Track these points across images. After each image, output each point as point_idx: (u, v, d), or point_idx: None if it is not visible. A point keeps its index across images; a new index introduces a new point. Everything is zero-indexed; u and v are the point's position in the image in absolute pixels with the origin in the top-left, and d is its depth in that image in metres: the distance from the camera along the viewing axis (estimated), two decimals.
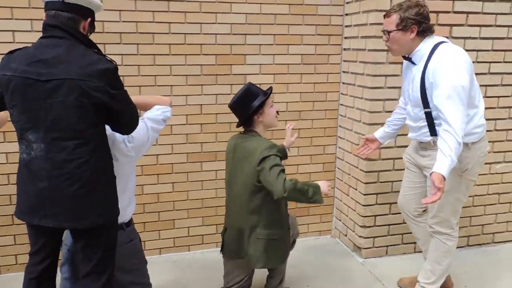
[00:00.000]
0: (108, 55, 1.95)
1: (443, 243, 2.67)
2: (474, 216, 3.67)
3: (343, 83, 3.62)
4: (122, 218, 2.19)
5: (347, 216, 3.69)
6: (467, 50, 2.51)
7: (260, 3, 3.31)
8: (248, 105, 2.43)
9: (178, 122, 3.32)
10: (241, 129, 2.59)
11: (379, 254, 3.55)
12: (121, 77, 1.94)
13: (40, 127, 1.84)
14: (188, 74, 3.29)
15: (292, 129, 2.83)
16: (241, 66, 3.38)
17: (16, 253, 3.20)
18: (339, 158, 3.76)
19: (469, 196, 3.31)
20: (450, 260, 2.73)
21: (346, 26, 3.50)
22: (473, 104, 2.46)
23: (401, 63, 3.09)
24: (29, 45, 1.93)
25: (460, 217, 2.77)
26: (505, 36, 3.36)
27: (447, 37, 2.62)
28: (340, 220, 3.82)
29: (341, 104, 3.66)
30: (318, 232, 3.90)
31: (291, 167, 3.65)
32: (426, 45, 2.45)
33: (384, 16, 2.51)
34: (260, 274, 2.87)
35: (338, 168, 3.78)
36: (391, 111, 3.19)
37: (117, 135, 2.11)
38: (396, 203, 3.45)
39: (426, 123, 2.51)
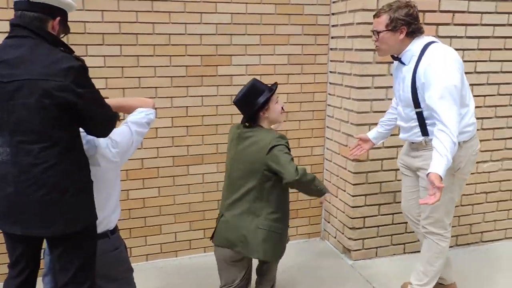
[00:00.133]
0: (84, 56, 1.87)
1: (436, 243, 2.66)
2: (462, 215, 3.67)
3: (330, 83, 3.59)
4: (107, 225, 2.12)
5: (336, 218, 3.66)
6: None
7: (245, 3, 3.26)
8: (254, 101, 2.39)
9: (163, 125, 3.25)
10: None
11: (369, 256, 3.53)
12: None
13: (4, 130, 1.77)
14: (173, 76, 3.22)
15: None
16: (227, 67, 3.33)
17: None
18: (327, 159, 3.72)
19: None
20: (442, 261, 2.73)
21: (333, 26, 3.47)
22: (464, 103, 2.47)
23: (388, 62, 3.10)
24: None
25: None
26: (491, 35, 3.37)
27: (434, 36, 2.61)
28: (329, 222, 3.79)
29: (329, 105, 3.63)
30: (307, 235, 3.86)
31: None
32: (416, 45, 2.44)
33: (374, 16, 2.50)
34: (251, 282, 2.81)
35: (326, 170, 3.75)
36: (378, 111, 3.18)
37: (101, 140, 2.03)
38: (385, 204, 3.46)
39: (417, 123, 2.51)
